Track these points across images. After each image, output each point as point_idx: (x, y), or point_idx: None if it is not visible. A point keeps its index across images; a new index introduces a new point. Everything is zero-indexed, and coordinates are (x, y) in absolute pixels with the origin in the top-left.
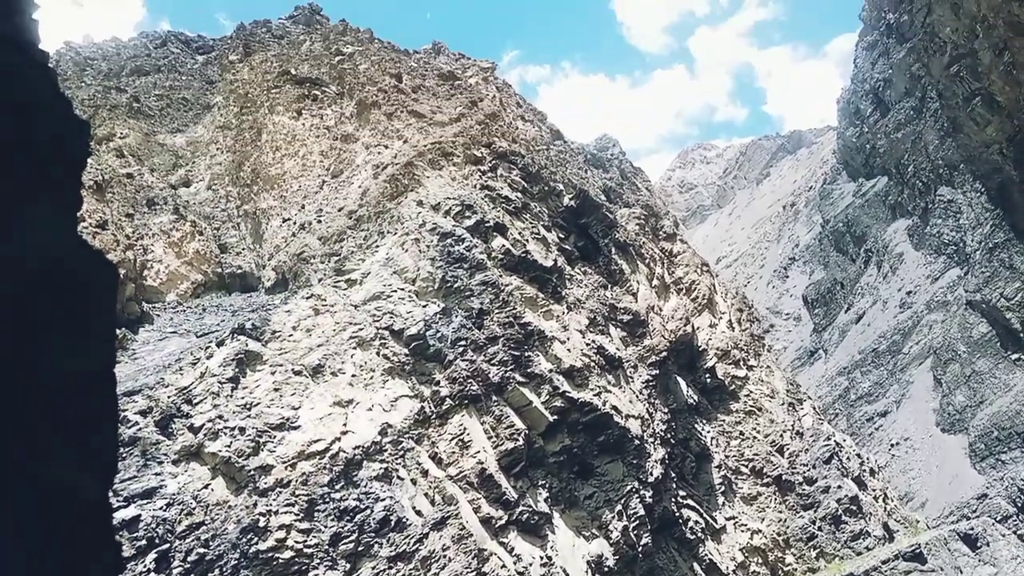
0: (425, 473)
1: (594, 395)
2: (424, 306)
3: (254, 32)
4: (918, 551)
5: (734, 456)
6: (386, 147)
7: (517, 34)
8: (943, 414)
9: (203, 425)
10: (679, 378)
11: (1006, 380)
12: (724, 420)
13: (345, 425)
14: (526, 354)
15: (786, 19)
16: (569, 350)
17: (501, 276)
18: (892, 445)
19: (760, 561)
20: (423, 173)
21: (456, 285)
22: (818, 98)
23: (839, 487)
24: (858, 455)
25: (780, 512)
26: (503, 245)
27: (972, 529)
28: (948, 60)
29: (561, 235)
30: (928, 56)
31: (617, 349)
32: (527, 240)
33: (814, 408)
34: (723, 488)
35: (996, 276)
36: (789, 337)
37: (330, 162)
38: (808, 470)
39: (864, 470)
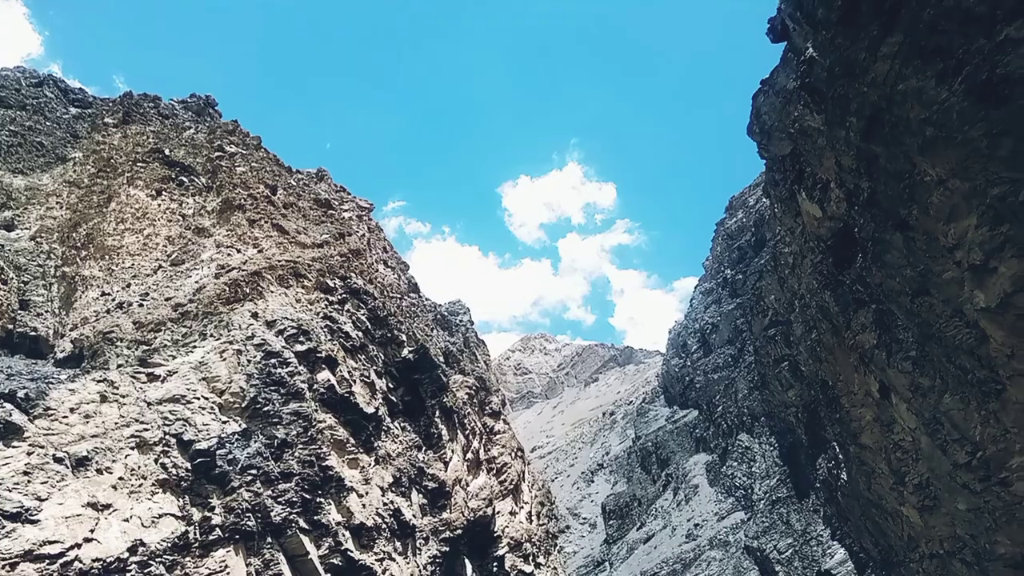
0: None
1: (376, 559)
2: (224, 422)
3: (140, 103)
4: None
5: None
6: (239, 251)
7: (410, 186)
8: None
9: None
10: (467, 561)
11: None
12: None
13: (92, 532)
14: (318, 500)
15: (647, 250)
16: (364, 506)
17: (316, 411)
18: None
19: None
20: (268, 287)
21: (266, 408)
22: (656, 325)
23: None
24: None
25: None
26: (328, 380)
27: None
28: (767, 323)
29: (391, 385)
30: (752, 315)
31: (414, 516)
32: (355, 381)
33: None
34: None
35: (773, 528)
36: (581, 543)
37: (174, 249)
38: None
39: None
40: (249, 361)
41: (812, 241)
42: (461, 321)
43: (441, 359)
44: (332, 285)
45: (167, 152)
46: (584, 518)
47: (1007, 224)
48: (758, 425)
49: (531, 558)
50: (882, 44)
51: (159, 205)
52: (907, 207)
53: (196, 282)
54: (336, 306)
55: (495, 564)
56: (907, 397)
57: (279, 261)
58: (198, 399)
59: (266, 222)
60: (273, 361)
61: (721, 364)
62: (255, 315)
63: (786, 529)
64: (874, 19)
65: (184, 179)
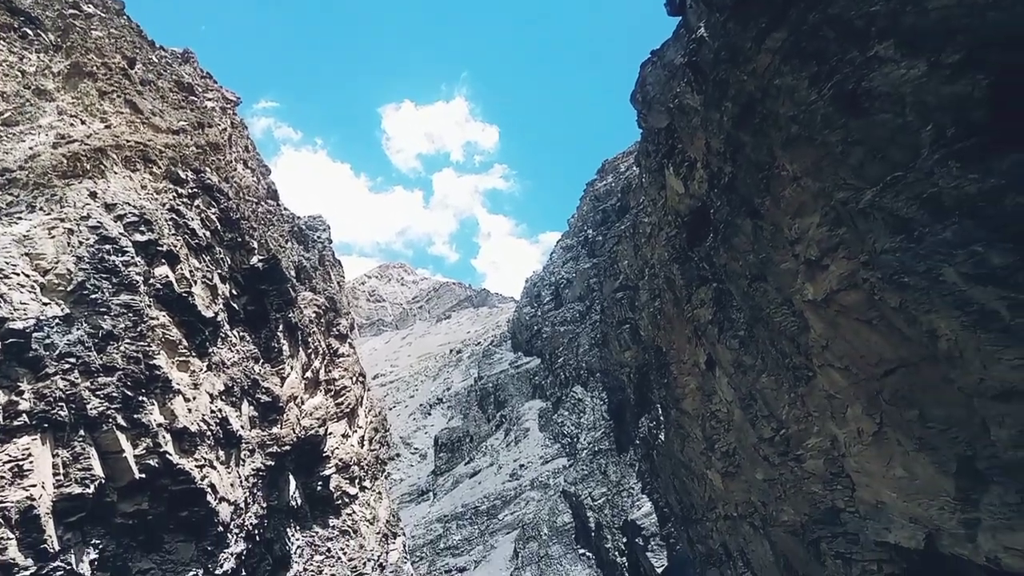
0: None
1: (196, 466)
2: (45, 304)
3: None
4: None
5: (312, 571)
6: (83, 123)
7: (286, 88)
8: None
9: None
10: (292, 477)
11: (568, 570)
12: (318, 533)
13: None
14: (140, 398)
15: (520, 198)
16: (190, 411)
17: (150, 307)
18: None
19: None
20: (112, 167)
21: (94, 296)
22: (516, 273)
23: None
24: None
25: None
26: (167, 276)
27: None
28: (617, 286)
29: (235, 292)
30: (605, 276)
31: (242, 427)
32: (196, 281)
33: (404, 546)
34: None
35: (591, 477)
36: (409, 471)
37: (8, 108)
38: None
39: None
40: (81, 243)
41: (671, 215)
42: (319, 238)
43: (292, 273)
44: (183, 177)
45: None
46: (416, 448)
47: (844, 227)
48: (593, 380)
49: (357, 481)
50: (767, 37)
51: None
52: (761, 197)
53: (30, 148)
54: (185, 200)
55: (320, 483)
56: (729, 372)
57: (128, 141)
58: (17, 275)
59: (118, 96)
60: (108, 247)
61: (569, 318)
62: (93, 195)
63: (603, 479)
64: (766, 11)
65: (29, 31)
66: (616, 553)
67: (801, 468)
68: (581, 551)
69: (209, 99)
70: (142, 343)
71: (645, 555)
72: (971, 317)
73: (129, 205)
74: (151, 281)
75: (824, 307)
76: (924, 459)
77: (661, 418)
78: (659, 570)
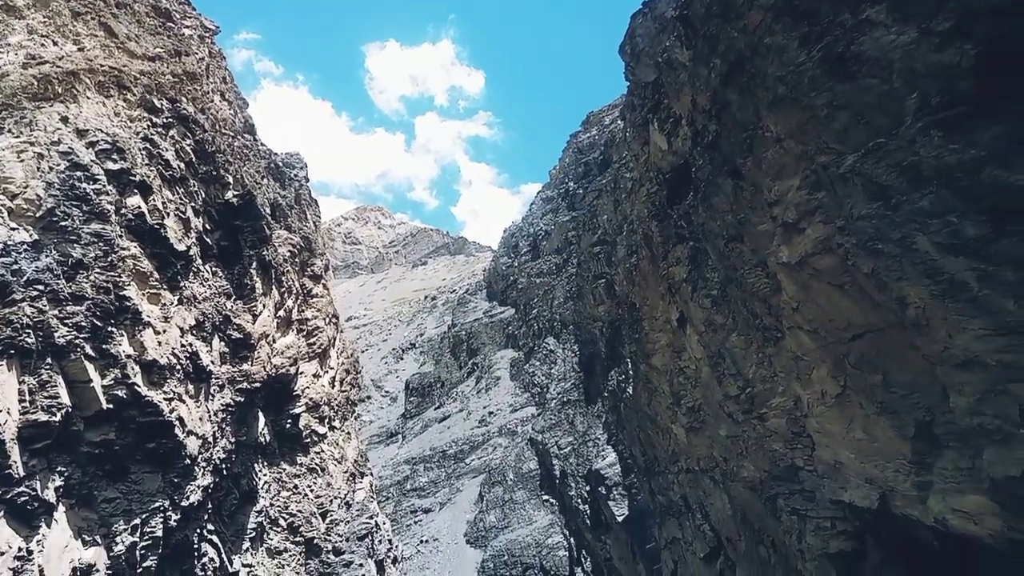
0: None
1: (165, 398)
2: (13, 229)
3: None
4: None
5: (279, 507)
6: (55, 44)
7: (268, 21)
8: (473, 527)
9: None
10: (262, 413)
11: (531, 515)
12: (286, 470)
13: None
14: (109, 329)
15: (503, 147)
16: (160, 344)
17: (121, 237)
18: (422, 541)
19: None
20: (85, 92)
21: (63, 223)
22: (495, 222)
23: (360, 565)
24: (390, 541)
25: (297, 573)
26: (139, 207)
27: None
28: (595, 240)
29: (208, 226)
30: (583, 230)
31: (212, 362)
32: (168, 214)
33: (371, 485)
34: (254, 534)
35: (558, 426)
36: (380, 414)
37: None
38: (341, 541)
39: (389, 556)
40: (51, 168)
41: (652, 172)
42: (296, 176)
43: (267, 210)
44: (159, 106)
45: None
46: (387, 391)
47: (824, 192)
48: (566, 332)
49: (327, 420)
50: None
51: None
52: (744, 157)
53: None
54: (160, 130)
55: (289, 421)
56: (700, 330)
57: (101, 66)
58: None
59: (93, 18)
60: (79, 174)
61: (545, 270)
62: (65, 119)
63: (570, 428)
64: None
65: None
66: (579, 500)
67: (764, 426)
68: (545, 497)
69: (187, 27)
70: (112, 273)
71: (607, 504)
72: (940, 286)
73: (102, 132)
74: (123, 211)
75: (797, 270)
76: (884, 423)
77: (630, 372)
78: (619, 519)
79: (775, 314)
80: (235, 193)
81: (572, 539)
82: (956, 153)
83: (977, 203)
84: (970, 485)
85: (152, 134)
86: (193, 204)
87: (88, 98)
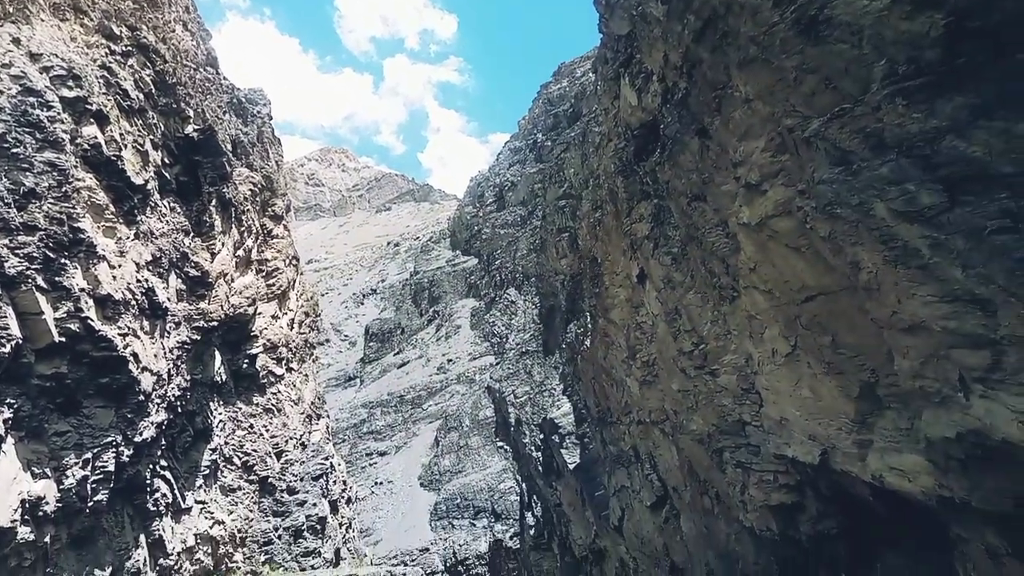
0: None
1: (119, 334)
2: None
3: None
4: None
5: (234, 445)
6: None
7: None
8: (428, 471)
9: None
10: (218, 352)
11: (485, 460)
12: (241, 409)
13: None
14: (63, 261)
15: (473, 95)
16: (115, 278)
17: (76, 168)
18: (376, 483)
19: (208, 551)
20: (39, 13)
21: (15, 151)
22: (462, 171)
23: (315, 504)
24: (344, 482)
25: (251, 511)
26: (95, 137)
27: (403, 575)
28: (561, 194)
29: (167, 160)
30: (549, 183)
31: (169, 299)
32: (126, 145)
33: (327, 427)
34: (208, 472)
35: (516, 375)
36: (338, 358)
37: None
38: (295, 481)
39: (343, 497)
40: (2, 92)
41: (621, 127)
42: (259, 112)
43: (229, 147)
44: (118, 33)
45: None
46: (346, 335)
47: (787, 155)
48: (527, 284)
49: (284, 362)
50: None
51: None
52: (712, 116)
53: None
54: (118, 58)
55: (246, 361)
56: (659, 287)
57: None
58: None
59: None
60: (32, 100)
61: (510, 221)
62: (17, 41)
63: (527, 378)
64: None
65: None
66: (532, 448)
67: (715, 382)
68: (499, 444)
69: None
70: (66, 204)
71: (560, 451)
72: (894, 253)
73: (57, 57)
74: (78, 141)
75: (757, 231)
76: (830, 382)
77: (589, 325)
78: (571, 466)
79: (732, 274)
80: (196, 127)
81: (524, 484)
82: (918, 122)
83: (934, 172)
84: (907, 445)
85: (110, 62)
86: (152, 137)
87: (42, 20)
